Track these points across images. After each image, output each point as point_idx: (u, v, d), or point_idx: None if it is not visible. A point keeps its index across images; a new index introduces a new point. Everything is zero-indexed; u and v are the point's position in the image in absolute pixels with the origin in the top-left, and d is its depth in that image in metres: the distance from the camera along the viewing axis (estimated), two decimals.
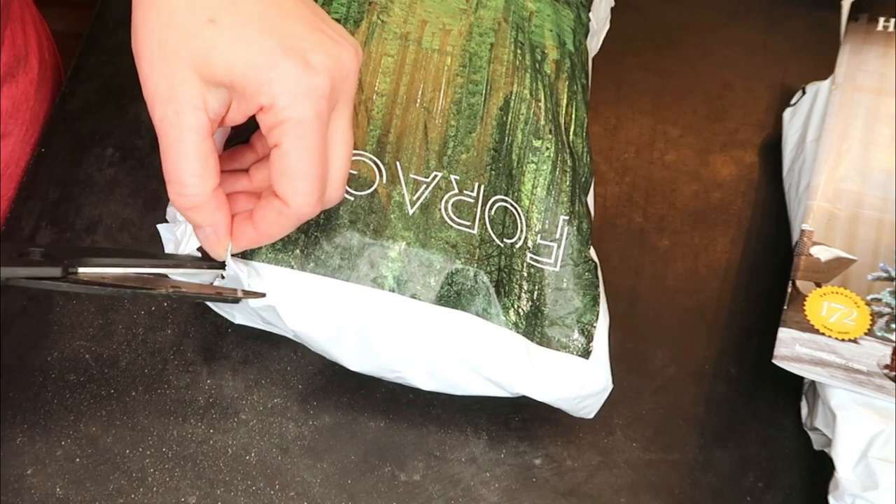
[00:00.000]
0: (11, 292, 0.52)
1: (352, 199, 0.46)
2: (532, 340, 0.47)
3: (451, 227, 0.46)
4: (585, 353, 0.47)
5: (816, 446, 0.52)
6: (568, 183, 0.49)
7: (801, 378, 0.52)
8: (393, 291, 0.45)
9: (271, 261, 0.44)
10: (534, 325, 0.47)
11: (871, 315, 0.51)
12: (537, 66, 0.51)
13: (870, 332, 0.50)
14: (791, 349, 0.50)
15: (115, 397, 0.50)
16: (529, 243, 0.48)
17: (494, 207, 0.47)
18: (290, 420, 0.50)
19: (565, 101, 0.52)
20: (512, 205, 0.48)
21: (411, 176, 0.47)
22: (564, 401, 0.47)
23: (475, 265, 0.46)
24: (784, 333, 0.51)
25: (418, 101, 0.48)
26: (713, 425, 0.53)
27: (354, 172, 0.46)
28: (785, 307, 0.51)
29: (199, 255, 0.44)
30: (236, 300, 0.43)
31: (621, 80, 0.65)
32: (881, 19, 0.61)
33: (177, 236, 0.46)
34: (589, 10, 0.57)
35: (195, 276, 0.44)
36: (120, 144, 0.58)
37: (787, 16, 0.70)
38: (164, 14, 0.37)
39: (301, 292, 0.44)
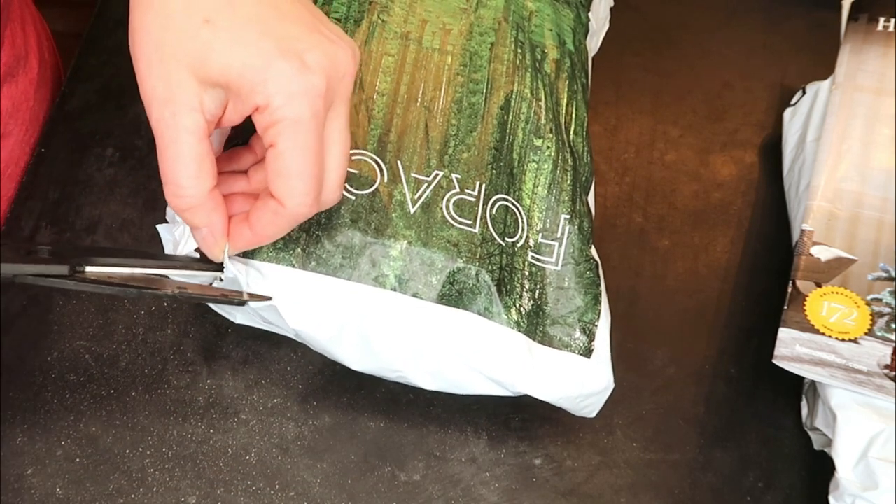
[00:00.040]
0: (11, 292, 0.52)
1: (353, 198, 0.46)
2: (534, 339, 0.47)
3: (453, 225, 0.46)
4: (587, 352, 0.47)
5: (816, 446, 0.52)
6: (569, 182, 0.49)
7: (802, 378, 0.52)
8: (394, 290, 0.45)
9: (272, 260, 0.44)
10: (535, 324, 0.47)
11: (871, 315, 0.51)
12: (537, 65, 0.51)
13: (870, 332, 0.50)
14: (791, 349, 0.50)
15: (115, 397, 0.50)
16: (531, 242, 0.48)
17: (496, 206, 0.47)
18: (290, 420, 0.50)
19: (565, 100, 0.52)
20: (513, 203, 0.48)
21: (412, 175, 0.47)
22: (566, 400, 0.47)
23: (477, 264, 0.46)
24: (784, 333, 0.51)
25: (419, 100, 0.48)
26: (713, 425, 0.53)
27: (355, 171, 0.46)
28: (785, 307, 0.51)
29: (198, 255, 0.44)
30: (242, 303, 0.43)
31: (621, 80, 0.65)
32: (881, 19, 0.61)
33: (175, 237, 0.46)
34: (588, 10, 0.57)
35: (193, 278, 0.44)
36: (120, 144, 0.58)
37: (787, 16, 0.70)
38: (161, 16, 0.37)
39: (302, 291, 0.44)
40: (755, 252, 0.59)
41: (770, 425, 0.53)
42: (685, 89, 0.66)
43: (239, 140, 0.46)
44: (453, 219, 0.46)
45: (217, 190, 0.40)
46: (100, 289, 0.39)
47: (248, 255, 0.44)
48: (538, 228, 0.48)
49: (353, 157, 0.46)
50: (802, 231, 0.54)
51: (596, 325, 0.48)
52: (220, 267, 0.43)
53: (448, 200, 0.46)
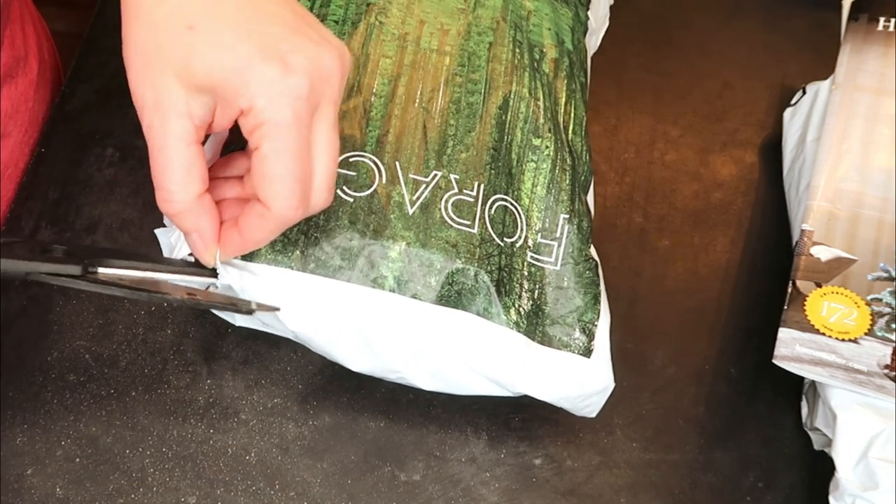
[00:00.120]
0: (11, 292, 0.52)
1: (351, 199, 0.46)
2: (533, 339, 0.47)
3: (451, 226, 0.46)
4: (587, 352, 0.47)
5: (816, 446, 0.52)
6: (568, 181, 0.49)
7: (802, 378, 0.52)
8: (393, 291, 0.45)
9: (271, 262, 0.44)
10: (535, 325, 0.47)
11: (871, 315, 0.51)
12: (535, 64, 0.51)
13: (870, 332, 0.50)
14: (791, 349, 0.50)
15: (115, 397, 0.50)
16: (530, 242, 0.48)
17: (494, 206, 0.47)
18: (290, 420, 0.50)
19: (564, 99, 0.52)
20: (512, 204, 0.48)
21: (411, 176, 0.47)
22: (566, 400, 0.47)
23: (475, 264, 0.46)
24: (784, 333, 0.50)
25: (417, 101, 0.48)
26: (713, 425, 0.53)
27: (353, 173, 0.46)
28: (785, 307, 0.51)
29: (193, 260, 0.44)
30: (250, 312, 0.43)
31: (621, 79, 0.65)
32: (881, 19, 0.61)
33: (171, 241, 0.46)
34: (587, 9, 0.57)
35: (190, 283, 0.44)
36: (120, 144, 0.58)
37: (788, 16, 0.70)
38: (148, 25, 0.38)
39: (301, 293, 0.44)
40: (755, 252, 0.59)
41: (770, 425, 0.53)
42: (685, 89, 0.66)
43: (236, 145, 0.46)
44: (452, 219, 0.46)
45: (207, 195, 0.40)
46: (110, 290, 0.40)
47: (246, 257, 0.44)
48: (537, 228, 0.48)
49: (351, 159, 0.46)
50: (802, 231, 0.54)
51: (595, 325, 0.48)
52: (214, 272, 0.43)
53: (447, 201, 0.46)
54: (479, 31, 0.51)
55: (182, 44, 0.37)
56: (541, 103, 0.50)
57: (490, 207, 0.47)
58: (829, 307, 0.51)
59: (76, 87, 0.60)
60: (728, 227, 0.60)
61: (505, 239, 0.47)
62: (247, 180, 0.44)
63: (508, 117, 0.49)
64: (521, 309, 0.46)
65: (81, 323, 0.52)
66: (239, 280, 0.44)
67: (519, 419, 0.52)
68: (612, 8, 0.63)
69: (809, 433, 0.53)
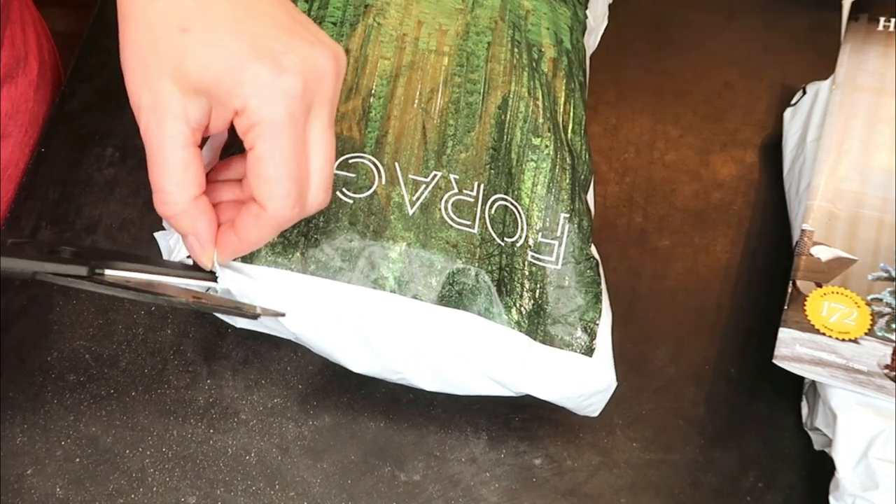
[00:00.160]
0: (11, 292, 0.52)
1: (351, 201, 0.46)
2: (535, 339, 0.47)
3: (452, 226, 0.46)
4: (589, 351, 0.47)
5: (817, 446, 0.52)
6: (568, 180, 0.49)
7: (802, 378, 0.52)
8: (394, 292, 0.45)
9: (272, 264, 0.44)
10: (536, 324, 0.47)
11: (871, 315, 0.51)
12: (534, 64, 0.51)
13: (870, 332, 0.50)
14: (791, 349, 0.50)
15: (115, 397, 0.50)
16: (530, 241, 0.48)
17: (494, 206, 0.47)
18: (290, 420, 0.50)
19: (563, 99, 0.52)
20: (512, 203, 0.48)
21: (410, 176, 0.47)
22: (568, 399, 0.47)
23: (476, 264, 0.46)
24: (784, 333, 0.50)
25: (416, 101, 0.48)
26: (713, 425, 0.53)
27: (352, 175, 0.46)
28: (785, 307, 0.51)
29: (192, 262, 0.44)
30: (255, 316, 0.43)
31: (621, 79, 0.65)
32: (881, 19, 0.61)
33: (170, 244, 0.46)
34: (586, 8, 0.57)
35: (189, 286, 0.44)
36: (120, 144, 0.58)
37: (788, 16, 0.70)
38: (142, 27, 0.38)
39: (302, 295, 0.44)
40: (755, 252, 0.59)
41: (770, 425, 0.53)
42: (685, 89, 0.66)
43: (235, 149, 0.46)
44: (452, 220, 0.46)
45: (204, 197, 0.40)
46: (116, 292, 0.40)
47: (246, 260, 0.44)
48: (538, 228, 0.48)
49: (350, 161, 0.46)
50: (802, 231, 0.54)
51: (597, 324, 0.48)
52: (213, 275, 0.43)
53: (446, 201, 0.46)
54: (478, 31, 0.51)
55: (176, 45, 0.37)
56: (540, 103, 0.50)
57: (490, 207, 0.47)
58: (830, 307, 0.51)
59: (76, 87, 0.60)
60: (728, 227, 0.60)
61: (505, 238, 0.47)
62: (245, 183, 0.44)
63: (508, 117, 0.49)
64: (522, 308, 0.46)
65: (81, 323, 0.52)
66: (238, 283, 0.44)
67: (519, 419, 0.52)
68: (612, 7, 0.63)
69: (809, 433, 0.53)
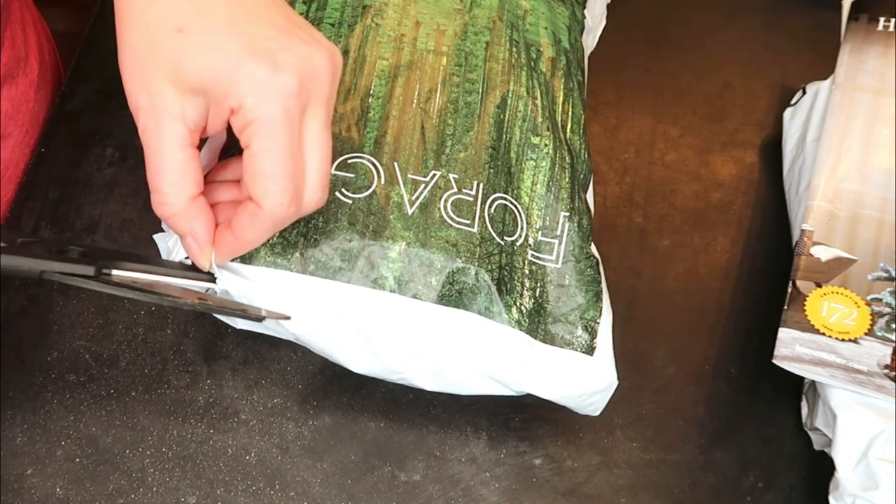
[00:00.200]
0: (11, 292, 0.52)
1: (350, 201, 0.46)
2: (535, 338, 0.47)
3: (451, 226, 0.46)
4: (589, 350, 0.47)
5: (816, 446, 0.52)
6: (567, 179, 0.49)
7: (802, 378, 0.52)
8: (394, 292, 0.45)
9: (271, 265, 0.44)
10: (537, 323, 0.47)
11: (871, 315, 0.51)
12: (532, 64, 0.51)
13: (870, 332, 0.50)
14: (791, 349, 0.50)
15: (115, 397, 0.50)
16: (530, 240, 0.48)
17: (494, 205, 0.47)
18: (290, 420, 0.50)
19: (561, 98, 0.52)
20: (511, 202, 0.48)
21: (409, 176, 0.47)
22: (569, 398, 0.47)
23: (476, 263, 0.46)
24: (784, 333, 0.51)
25: (415, 101, 0.48)
26: (713, 425, 0.53)
27: (351, 175, 0.46)
28: (785, 307, 0.51)
29: (191, 263, 0.44)
30: (260, 319, 0.43)
31: (621, 80, 0.65)
32: (881, 19, 0.61)
33: (169, 246, 0.46)
34: (584, 7, 0.57)
35: (188, 287, 0.44)
36: (120, 144, 0.58)
37: (787, 16, 0.70)
38: (139, 30, 0.38)
39: (301, 296, 0.44)
40: (755, 252, 0.59)
41: (770, 425, 0.53)
42: (685, 89, 0.66)
43: (235, 150, 0.46)
44: (451, 219, 0.46)
45: (202, 198, 0.40)
46: (123, 292, 0.40)
47: (245, 260, 0.44)
48: (538, 226, 0.48)
49: (349, 161, 0.46)
50: (802, 231, 0.54)
51: (598, 323, 0.48)
52: (211, 276, 0.43)
53: (446, 200, 0.46)
54: (476, 30, 0.51)
55: (172, 46, 0.37)
56: (538, 102, 0.50)
57: (490, 206, 0.47)
58: (829, 307, 0.51)
59: (76, 87, 0.60)
60: (728, 227, 0.60)
61: (505, 237, 0.47)
62: (243, 183, 0.44)
63: (507, 116, 0.49)
64: (522, 307, 0.46)
65: (81, 323, 0.52)
66: (236, 284, 0.43)
67: (519, 419, 0.52)
68: (612, 8, 0.63)
69: (809, 433, 0.53)
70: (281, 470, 0.49)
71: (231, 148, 0.46)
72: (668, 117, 0.64)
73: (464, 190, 0.47)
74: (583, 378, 0.47)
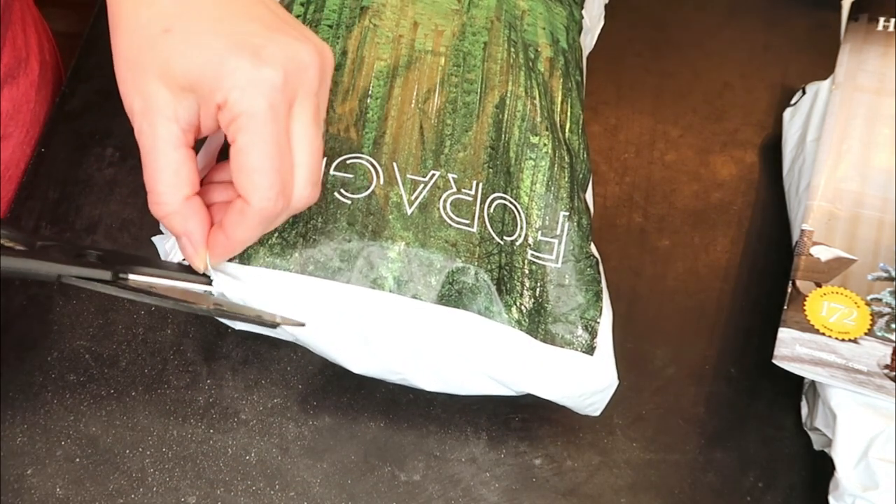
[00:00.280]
0: (11, 292, 0.52)
1: (349, 202, 0.46)
2: (535, 338, 0.46)
3: (451, 225, 0.46)
4: (590, 350, 0.47)
5: (816, 446, 0.52)
6: (566, 179, 0.49)
7: (802, 378, 0.52)
8: (393, 292, 0.45)
9: (269, 265, 0.44)
10: (537, 323, 0.47)
11: (871, 315, 0.51)
12: (531, 64, 0.51)
13: (870, 332, 0.50)
14: (791, 349, 0.50)
15: (115, 397, 0.50)
16: (530, 240, 0.48)
17: (493, 205, 0.47)
18: (290, 420, 0.50)
19: (560, 98, 0.52)
20: (511, 202, 0.48)
21: (408, 176, 0.47)
22: (570, 398, 0.47)
23: (475, 263, 0.46)
24: (784, 333, 0.50)
25: (413, 101, 0.48)
26: (713, 425, 0.53)
27: (350, 176, 0.46)
28: (785, 307, 0.51)
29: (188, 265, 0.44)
30: (274, 325, 0.44)
31: (621, 80, 0.65)
32: (881, 19, 0.61)
33: (166, 248, 0.46)
34: (582, 8, 0.57)
35: (185, 289, 0.44)
36: (120, 144, 0.58)
37: (788, 16, 0.70)
38: (129, 33, 0.39)
39: (300, 296, 0.44)
40: (755, 252, 0.59)
41: (770, 425, 0.53)
42: (685, 89, 0.66)
43: None
44: (451, 219, 0.46)
45: (197, 198, 0.40)
46: (139, 297, 0.40)
47: (244, 261, 0.44)
48: (537, 226, 0.48)
49: (348, 161, 0.46)
50: (802, 231, 0.54)
51: (598, 322, 0.48)
52: (207, 279, 0.43)
53: (445, 200, 0.46)
54: (474, 31, 0.51)
55: (161, 47, 0.37)
56: (537, 102, 0.50)
57: (489, 206, 0.47)
58: (829, 307, 0.51)
59: (76, 87, 0.60)
60: (728, 227, 0.60)
61: (504, 237, 0.47)
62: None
63: (505, 116, 0.49)
64: (522, 307, 0.46)
65: (81, 323, 0.52)
66: (232, 286, 0.43)
67: (519, 419, 0.52)
68: (611, 8, 0.63)
69: (809, 433, 0.53)
70: (281, 470, 0.49)
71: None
72: (668, 117, 0.64)
73: (463, 190, 0.47)
74: (583, 378, 0.47)
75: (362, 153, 0.47)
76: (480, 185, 0.47)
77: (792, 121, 0.61)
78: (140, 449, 0.49)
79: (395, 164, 0.47)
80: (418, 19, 0.51)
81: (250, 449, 0.50)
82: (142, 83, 0.38)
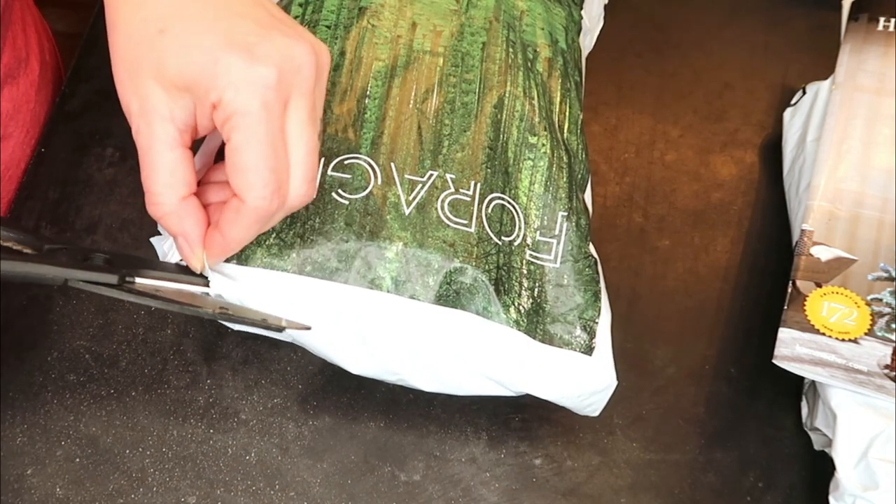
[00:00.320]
0: (11, 292, 0.52)
1: (347, 202, 0.46)
2: (534, 338, 0.46)
3: (449, 226, 0.46)
4: (588, 350, 0.47)
5: (817, 446, 0.52)
6: (565, 179, 0.49)
7: (802, 378, 0.52)
8: (391, 292, 0.45)
9: (267, 266, 0.44)
10: (535, 323, 0.47)
11: (871, 315, 0.51)
12: (529, 64, 0.51)
13: (870, 332, 0.50)
14: (791, 349, 0.50)
15: (115, 397, 0.50)
16: (528, 240, 0.48)
17: (491, 205, 0.47)
18: (290, 420, 0.50)
19: (559, 98, 0.52)
20: (509, 202, 0.48)
21: (406, 176, 0.47)
22: (568, 398, 0.47)
23: (474, 264, 0.46)
24: (784, 333, 0.50)
25: (411, 102, 0.48)
26: (713, 425, 0.53)
27: (348, 176, 0.46)
28: (785, 307, 0.51)
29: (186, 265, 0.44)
30: (280, 329, 0.43)
31: (621, 80, 0.65)
32: (881, 19, 0.61)
33: (164, 249, 0.46)
34: (581, 8, 0.57)
35: (183, 290, 0.44)
36: (120, 144, 0.58)
37: (788, 16, 0.70)
38: (124, 35, 0.39)
39: (298, 296, 0.44)
40: (755, 252, 0.59)
41: (770, 425, 0.53)
42: (685, 89, 0.66)
43: None
44: (449, 219, 0.46)
45: (193, 198, 0.40)
46: (145, 301, 0.40)
47: (242, 261, 0.44)
48: (536, 226, 0.48)
49: (346, 162, 0.46)
50: (802, 231, 0.54)
51: (596, 323, 0.48)
52: (204, 280, 0.43)
53: (443, 201, 0.46)
54: (472, 31, 0.51)
55: (156, 48, 0.37)
56: (535, 102, 0.50)
57: (487, 206, 0.47)
58: (829, 307, 0.51)
59: (76, 87, 0.60)
60: (728, 227, 0.60)
61: (503, 237, 0.47)
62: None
63: (504, 116, 0.49)
64: (520, 307, 0.46)
65: (81, 323, 0.52)
66: (229, 287, 0.43)
67: (519, 419, 0.52)
68: (611, 8, 0.63)
69: (809, 433, 0.53)
70: (281, 470, 0.49)
71: None
72: (668, 117, 0.64)
73: (461, 190, 0.47)
74: (581, 378, 0.47)
75: (360, 153, 0.47)
76: (478, 185, 0.47)
77: (792, 121, 0.61)
78: (140, 449, 0.49)
79: (392, 164, 0.47)
80: (416, 20, 0.51)
81: (250, 449, 0.50)
82: (138, 84, 0.38)
